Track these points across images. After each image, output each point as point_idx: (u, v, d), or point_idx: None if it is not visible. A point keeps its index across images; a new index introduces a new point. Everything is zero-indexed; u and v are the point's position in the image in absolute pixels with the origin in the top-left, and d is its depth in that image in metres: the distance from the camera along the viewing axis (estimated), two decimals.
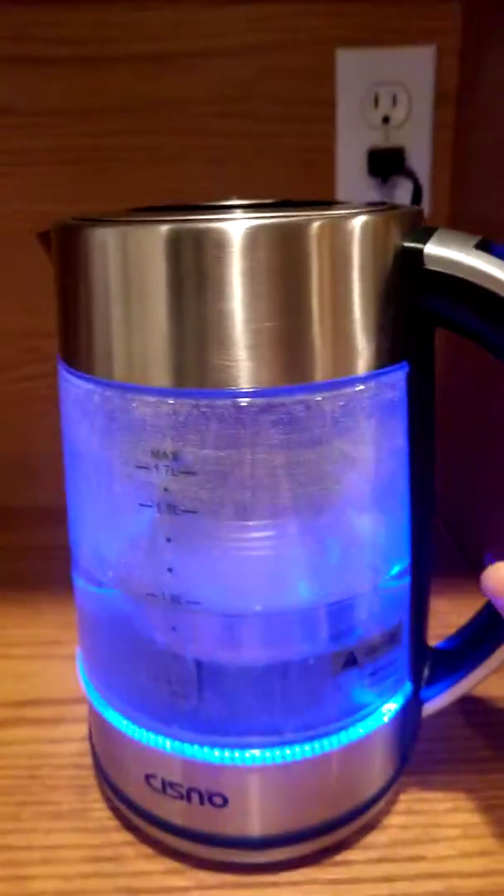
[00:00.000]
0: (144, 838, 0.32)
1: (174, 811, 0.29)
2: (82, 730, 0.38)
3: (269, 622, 0.26)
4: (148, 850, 0.31)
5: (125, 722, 0.29)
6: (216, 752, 0.27)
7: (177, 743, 0.28)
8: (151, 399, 0.24)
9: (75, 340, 0.26)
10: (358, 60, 0.51)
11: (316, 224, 0.23)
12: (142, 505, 0.25)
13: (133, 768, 0.30)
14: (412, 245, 0.24)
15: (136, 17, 0.51)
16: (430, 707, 0.31)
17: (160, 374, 0.24)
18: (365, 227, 0.24)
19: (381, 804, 0.31)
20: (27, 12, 0.50)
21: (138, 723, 0.29)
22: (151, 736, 0.28)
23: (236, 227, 0.22)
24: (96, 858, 0.31)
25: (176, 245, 0.23)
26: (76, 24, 0.51)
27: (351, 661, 0.27)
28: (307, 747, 0.27)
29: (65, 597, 0.47)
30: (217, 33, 0.51)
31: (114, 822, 0.33)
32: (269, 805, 0.29)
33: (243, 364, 0.23)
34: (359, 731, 0.28)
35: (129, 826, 0.32)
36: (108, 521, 0.27)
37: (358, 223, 0.23)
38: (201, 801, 0.28)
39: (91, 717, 0.33)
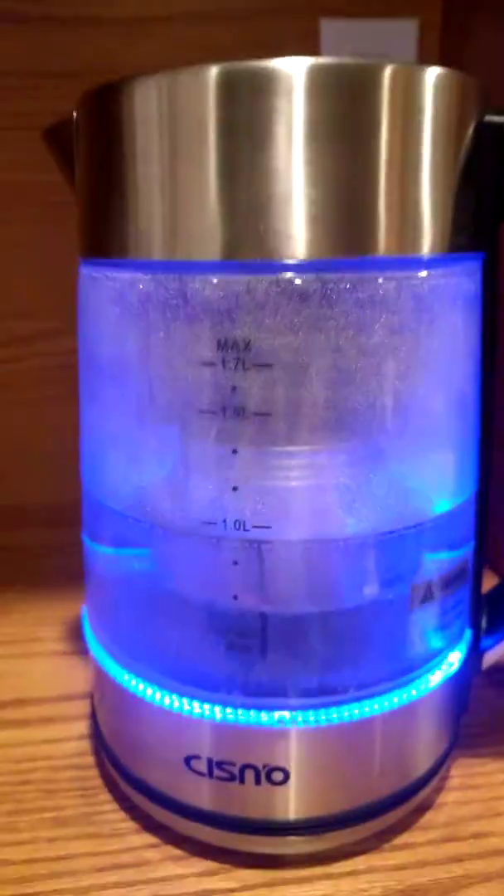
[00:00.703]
0: (172, 838, 0.27)
1: (220, 798, 0.25)
2: (78, 728, 0.33)
3: (351, 550, 0.23)
4: (177, 852, 0.26)
5: (161, 694, 0.25)
6: (282, 714, 0.23)
7: (231, 710, 0.23)
8: (215, 279, 0.20)
9: (111, 224, 0.22)
10: (341, 31, 0.51)
11: (390, 68, 0.20)
12: (202, 412, 0.21)
13: (168, 752, 0.25)
14: (496, 119, 0.22)
15: None
16: (491, 656, 0.28)
17: (223, 246, 0.20)
18: (443, 81, 0.21)
19: (435, 780, 0.28)
20: None
21: (180, 692, 0.24)
22: (197, 705, 0.24)
23: (298, 66, 0.19)
24: (115, 866, 0.26)
25: (230, 88, 0.20)
26: None
27: (428, 594, 0.23)
28: (385, 701, 0.23)
29: (35, 595, 0.43)
30: None
31: (130, 825, 0.28)
32: (333, 776, 0.25)
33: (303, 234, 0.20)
34: (429, 681, 0.25)
35: (151, 827, 0.27)
36: (151, 443, 0.23)
37: (434, 75, 0.21)
38: (257, 780, 0.24)
39: (103, 704, 0.29)
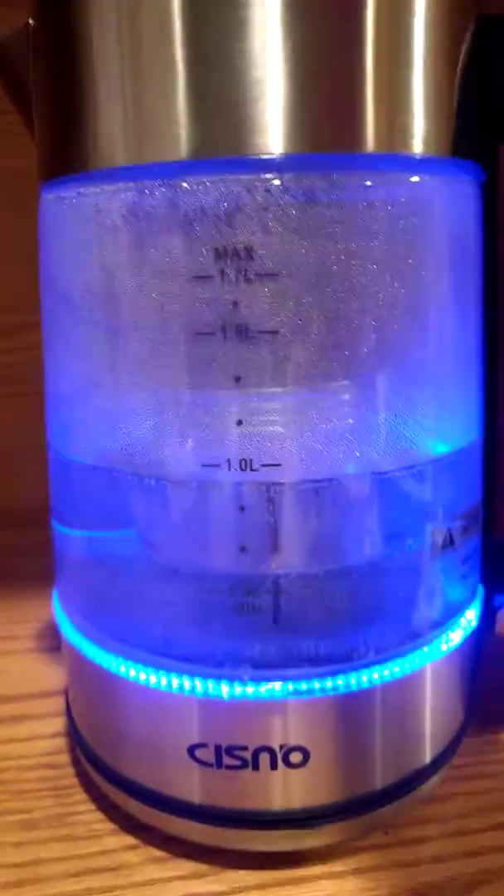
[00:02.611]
0: (153, 839, 0.24)
1: (226, 789, 0.22)
2: (52, 725, 0.30)
3: (371, 489, 0.20)
4: (159, 854, 0.23)
5: (157, 676, 0.21)
6: (301, 686, 0.20)
7: (242, 686, 0.20)
8: (206, 178, 0.18)
9: (77, 134, 0.20)
10: None
11: None
12: (198, 335, 0.18)
13: (166, 743, 0.22)
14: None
15: None
16: None
17: (193, 143, 0.18)
18: None
19: (452, 761, 0.25)
20: None
21: (179, 671, 0.21)
22: (200, 684, 0.21)
23: None
24: (90, 871, 0.23)
25: None
26: None
27: (449, 540, 0.20)
28: (407, 663, 0.21)
29: (10, 593, 0.41)
30: None
31: (107, 825, 0.25)
32: (357, 754, 0.22)
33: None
34: (451, 639, 0.22)
35: (130, 828, 0.24)
36: (138, 379, 0.20)
37: None
38: (273, 765, 0.21)
39: (80, 696, 0.26)
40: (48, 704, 0.31)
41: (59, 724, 0.30)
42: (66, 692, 0.29)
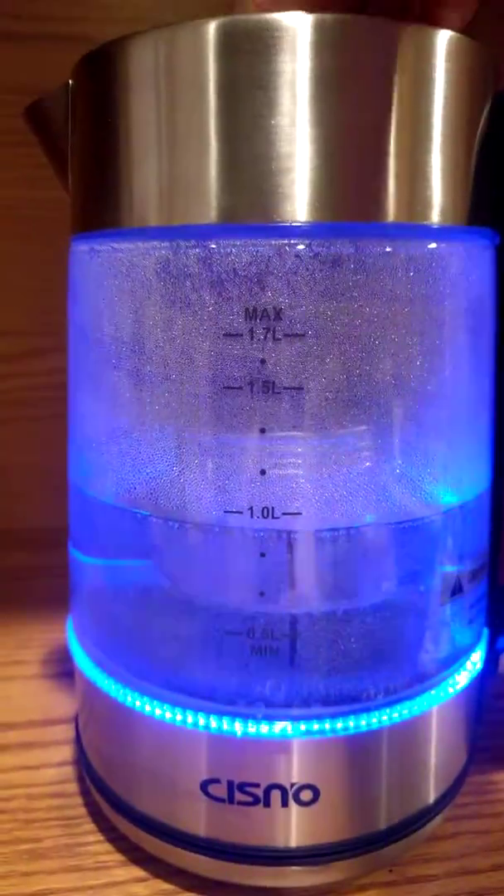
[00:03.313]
0: (162, 872, 0.24)
1: (235, 825, 0.22)
2: (59, 753, 0.30)
3: (386, 538, 0.21)
4: (167, 886, 0.24)
5: (172, 712, 0.22)
6: (312, 726, 0.21)
7: (256, 724, 0.21)
8: (239, 241, 0.19)
9: (113, 192, 0.21)
10: None
11: (399, 26, 0.19)
12: (227, 389, 0.19)
13: (179, 777, 0.23)
14: None
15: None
16: None
17: (225, 209, 0.19)
18: (455, 45, 0.20)
19: (456, 799, 0.25)
20: None
21: (194, 708, 0.22)
22: (216, 721, 0.21)
23: (303, 20, 0.19)
24: None
25: (231, 43, 0.19)
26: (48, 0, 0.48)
27: (458, 587, 0.21)
28: (415, 705, 0.22)
29: (17, 618, 0.41)
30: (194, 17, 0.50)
31: (116, 857, 0.25)
32: (362, 793, 0.23)
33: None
34: (457, 682, 0.23)
35: (138, 859, 0.25)
36: (165, 427, 0.21)
37: (447, 38, 0.20)
38: (283, 802, 0.22)
39: (92, 726, 0.26)
40: (55, 732, 0.31)
41: (66, 752, 0.30)
42: (75, 720, 0.30)
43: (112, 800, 0.25)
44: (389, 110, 0.19)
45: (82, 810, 0.27)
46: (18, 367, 0.53)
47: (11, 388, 0.53)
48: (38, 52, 0.49)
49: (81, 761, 0.28)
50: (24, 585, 0.46)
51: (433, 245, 0.21)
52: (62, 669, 0.36)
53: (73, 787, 0.28)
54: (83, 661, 0.26)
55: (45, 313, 0.52)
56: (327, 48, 0.19)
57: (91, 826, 0.26)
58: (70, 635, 0.27)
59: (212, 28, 0.19)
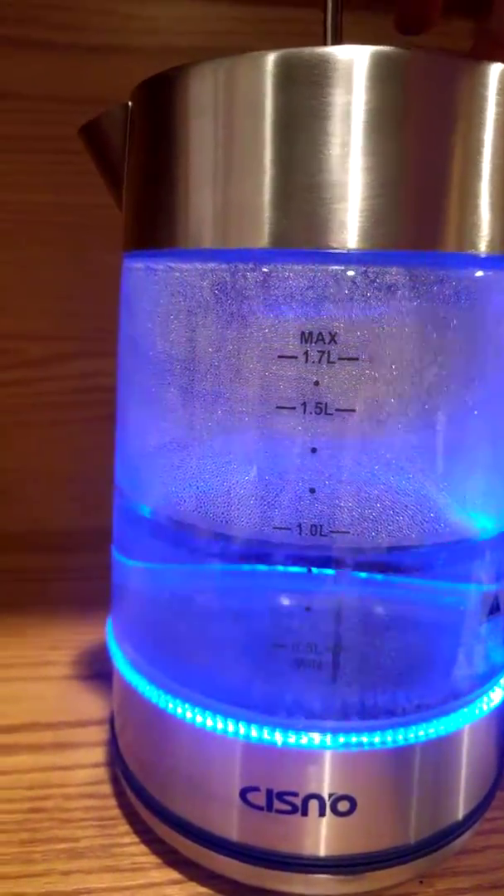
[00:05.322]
0: (197, 875, 0.25)
1: (273, 832, 0.23)
2: (92, 755, 0.31)
3: (430, 557, 0.22)
4: (202, 890, 0.24)
5: (215, 719, 0.23)
6: (351, 739, 0.21)
7: (297, 734, 0.22)
8: (298, 267, 0.20)
9: (170, 213, 0.21)
10: None
11: (454, 61, 0.20)
12: (280, 409, 0.20)
13: (218, 784, 0.23)
14: None
15: (142, 9, 0.49)
16: None
17: (278, 234, 0.20)
18: None
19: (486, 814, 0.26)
20: None
21: (235, 717, 0.22)
22: (256, 729, 0.22)
23: (359, 53, 0.19)
24: None
25: (288, 74, 0.19)
26: (81, 10, 0.49)
27: (496, 606, 0.22)
28: (451, 722, 0.22)
29: (47, 619, 0.42)
30: (224, 31, 0.50)
31: (151, 859, 0.26)
32: (396, 805, 0.23)
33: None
34: (492, 699, 0.23)
35: (174, 862, 0.25)
36: (217, 443, 0.22)
37: (499, 71, 0.20)
38: (321, 811, 0.22)
39: (129, 729, 0.27)
40: (87, 734, 0.32)
41: (98, 753, 0.31)
42: (110, 721, 0.30)
43: (148, 802, 0.26)
44: (443, 142, 0.20)
45: (117, 812, 0.28)
46: (43, 371, 0.53)
47: (36, 393, 0.54)
48: (68, 62, 0.49)
49: (117, 763, 0.28)
50: (53, 587, 0.46)
51: (480, 273, 0.21)
52: (93, 671, 0.37)
53: (107, 788, 0.29)
54: (123, 665, 0.26)
55: (71, 318, 0.53)
56: (384, 81, 0.19)
57: (126, 828, 0.27)
58: (110, 638, 0.28)
59: (270, 59, 0.20)
